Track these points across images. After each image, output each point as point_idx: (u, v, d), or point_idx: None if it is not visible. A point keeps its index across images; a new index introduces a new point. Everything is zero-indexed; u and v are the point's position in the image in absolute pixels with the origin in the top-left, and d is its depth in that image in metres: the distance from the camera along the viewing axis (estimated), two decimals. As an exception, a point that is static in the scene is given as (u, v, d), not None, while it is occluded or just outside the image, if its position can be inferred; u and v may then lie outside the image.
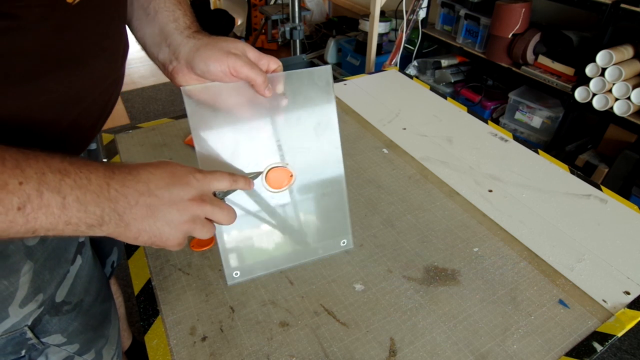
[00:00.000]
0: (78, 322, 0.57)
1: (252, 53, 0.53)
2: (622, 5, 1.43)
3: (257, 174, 0.58)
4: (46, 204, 0.34)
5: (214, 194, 0.48)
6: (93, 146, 0.74)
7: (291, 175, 0.61)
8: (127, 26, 0.55)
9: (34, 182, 0.33)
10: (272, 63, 0.54)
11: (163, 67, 0.54)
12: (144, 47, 0.56)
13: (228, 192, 0.50)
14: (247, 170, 0.58)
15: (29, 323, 0.50)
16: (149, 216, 0.40)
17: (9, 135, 0.39)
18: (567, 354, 0.58)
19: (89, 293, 0.60)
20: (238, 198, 0.60)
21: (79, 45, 0.42)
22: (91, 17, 0.42)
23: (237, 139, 0.56)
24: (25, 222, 0.34)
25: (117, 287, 1.03)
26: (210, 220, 0.46)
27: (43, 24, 0.37)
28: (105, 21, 0.45)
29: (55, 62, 0.40)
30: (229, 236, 0.62)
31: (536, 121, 1.90)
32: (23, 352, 0.51)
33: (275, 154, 0.59)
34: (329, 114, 0.60)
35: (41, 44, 0.38)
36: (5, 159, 0.33)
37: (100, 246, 0.76)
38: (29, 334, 0.51)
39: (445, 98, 1.19)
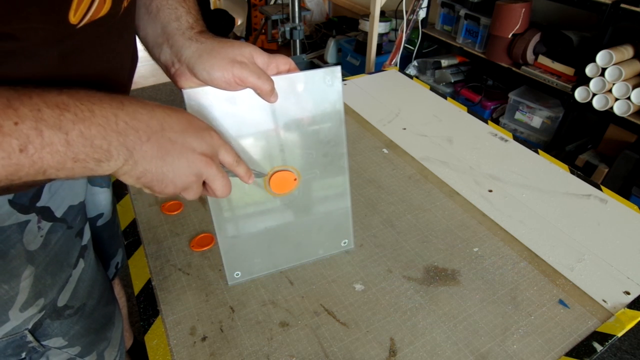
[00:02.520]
0: (80, 326, 0.57)
1: (260, 58, 0.50)
2: (622, 5, 1.43)
3: (260, 174, 0.57)
4: (48, 142, 0.32)
5: None
6: None
7: (295, 179, 0.60)
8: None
9: (30, 120, 0.31)
10: (282, 64, 0.52)
11: (165, 69, 0.52)
12: (147, 47, 0.54)
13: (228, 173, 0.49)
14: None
15: (30, 327, 0.50)
16: (159, 157, 0.38)
17: None
18: (567, 354, 0.58)
19: (91, 297, 0.59)
20: (240, 198, 0.60)
21: (87, 68, 0.41)
22: (99, 40, 0.40)
23: (240, 142, 0.55)
24: (31, 164, 0.32)
25: (121, 288, 1.03)
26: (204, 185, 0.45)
27: (50, 50, 0.35)
28: (114, 40, 0.43)
29: (64, 85, 0.39)
30: (230, 237, 0.62)
31: (536, 121, 1.90)
32: (23, 355, 0.51)
33: (279, 157, 0.58)
34: (337, 117, 0.59)
35: (48, 70, 0.37)
36: None
37: (105, 248, 0.76)
38: (29, 337, 0.50)
39: (445, 98, 1.19)
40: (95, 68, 0.42)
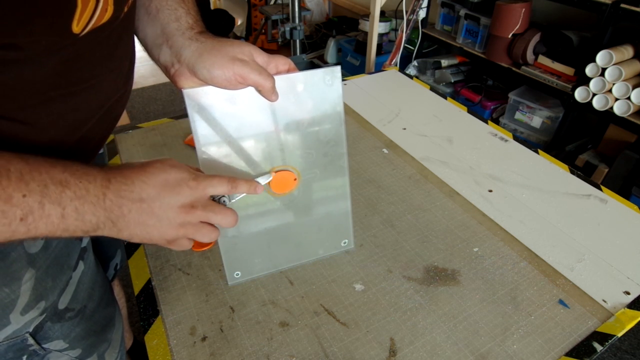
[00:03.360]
0: (80, 328, 0.57)
1: (261, 57, 0.51)
2: (622, 5, 1.43)
3: (265, 176, 0.56)
4: (47, 214, 0.35)
5: (215, 198, 0.48)
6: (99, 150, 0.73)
7: (295, 179, 0.60)
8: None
9: (37, 194, 0.34)
10: (281, 64, 0.52)
11: (165, 69, 0.52)
12: (146, 48, 0.54)
13: (232, 196, 0.49)
14: (253, 172, 0.57)
15: (31, 330, 0.50)
16: (140, 223, 0.42)
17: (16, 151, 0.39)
18: (567, 354, 0.58)
19: (92, 299, 0.59)
20: (240, 198, 0.60)
21: (86, 72, 0.41)
22: (99, 45, 0.41)
23: (239, 142, 0.55)
24: (26, 231, 0.35)
25: (120, 289, 1.03)
26: (210, 224, 0.46)
27: (51, 58, 0.36)
28: (113, 44, 0.44)
29: (63, 90, 0.40)
30: (230, 237, 0.62)
31: (536, 121, 1.90)
32: (24, 358, 0.51)
33: (278, 157, 0.58)
34: (337, 116, 0.59)
35: (49, 76, 0.37)
36: (10, 171, 0.33)
37: (104, 249, 0.76)
38: (30, 341, 0.50)
39: (445, 98, 1.19)
40: (94, 72, 0.42)
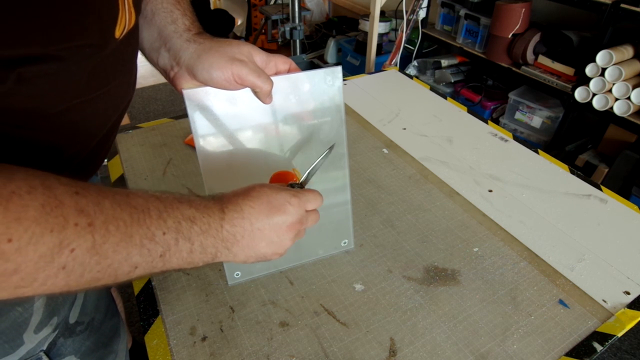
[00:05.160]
0: (90, 341, 0.57)
1: (259, 56, 0.50)
2: (622, 5, 1.43)
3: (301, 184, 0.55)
4: (180, 249, 0.37)
5: (293, 186, 0.50)
6: (105, 158, 0.73)
7: (295, 180, 0.60)
8: None
9: (173, 231, 0.36)
10: (281, 64, 0.52)
11: (164, 72, 0.52)
12: (143, 52, 0.54)
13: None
14: (254, 173, 0.57)
15: (45, 348, 0.50)
16: (253, 246, 0.44)
17: (37, 164, 0.38)
18: (567, 354, 0.58)
19: (99, 310, 0.59)
20: None
21: (104, 78, 0.41)
22: (115, 49, 0.41)
23: (240, 142, 0.55)
24: (162, 266, 0.36)
25: (117, 293, 1.03)
26: None
27: (83, 66, 0.36)
28: (124, 48, 0.44)
29: (84, 97, 0.40)
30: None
31: (536, 121, 1.90)
32: None
33: (278, 157, 0.58)
34: (337, 117, 0.59)
35: (74, 86, 0.37)
36: (150, 209, 0.35)
37: None
38: (45, 359, 0.50)
39: (445, 98, 1.19)
40: (109, 77, 0.42)
